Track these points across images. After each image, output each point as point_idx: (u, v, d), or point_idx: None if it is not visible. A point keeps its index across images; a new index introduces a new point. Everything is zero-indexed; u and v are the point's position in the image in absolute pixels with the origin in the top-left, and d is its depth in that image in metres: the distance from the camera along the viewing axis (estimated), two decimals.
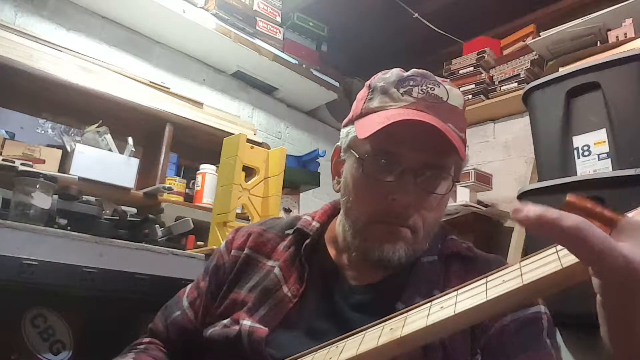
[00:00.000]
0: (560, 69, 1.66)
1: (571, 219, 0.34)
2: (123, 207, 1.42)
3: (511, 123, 2.33)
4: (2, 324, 1.07)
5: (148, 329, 0.89)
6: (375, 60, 2.01)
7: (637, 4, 1.79)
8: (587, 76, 1.51)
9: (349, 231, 0.73)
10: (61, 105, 1.70)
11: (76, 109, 1.72)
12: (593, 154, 1.46)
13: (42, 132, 1.77)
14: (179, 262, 1.26)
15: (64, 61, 1.66)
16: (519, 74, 2.19)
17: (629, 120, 1.40)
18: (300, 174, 2.16)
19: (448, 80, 0.75)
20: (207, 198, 1.81)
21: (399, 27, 2.46)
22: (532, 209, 0.35)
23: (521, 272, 0.42)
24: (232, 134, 1.70)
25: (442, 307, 0.44)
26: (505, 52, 2.39)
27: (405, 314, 0.48)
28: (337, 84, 2.54)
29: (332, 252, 0.79)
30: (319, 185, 2.21)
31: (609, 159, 1.43)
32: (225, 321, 0.74)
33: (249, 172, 1.52)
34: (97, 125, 1.64)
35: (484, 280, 0.44)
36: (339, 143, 0.80)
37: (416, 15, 2.34)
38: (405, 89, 0.70)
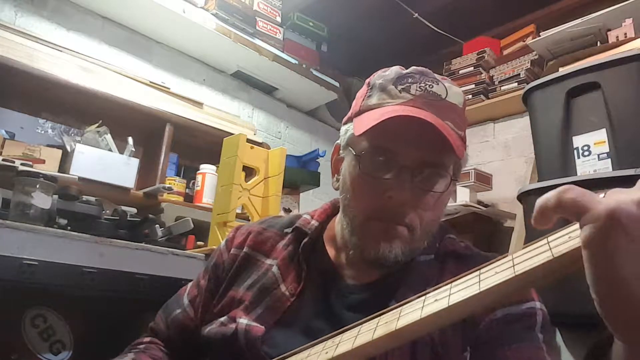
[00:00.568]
0: (560, 69, 1.66)
1: (561, 191, 0.38)
2: (123, 207, 1.41)
3: (511, 123, 2.33)
4: (2, 324, 1.07)
5: (149, 327, 0.89)
6: (375, 60, 2.00)
7: (637, 4, 1.79)
8: (587, 76, 1.51)
9: (347, 228, 0.73)
10: (61, 105, 1.70)
11: (76, 109, 1.72)
12: (593, 154, 1.46)
13: (42, 132, 1.77)
14: (179, 262, 1.26)
15: (64, 61, 1.66)
16: (519, 74, 2.19)
17: (629, 120, 1.40)
18: (300, 174, 2.16)
19: (449, 78, 0.75)
20: (207, 198, 1.81)
21: (399, 27, 2.46)
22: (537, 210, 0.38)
23: (513, 263, 0.42)
24: (232, 134, 1.70)
25: (435, 300, 0.44)
26: (505, 52, 2.39)
27: (399, 308, 0.48)
28: (337, 84, 2.54)
29: (330, 251, 0.79)
30: (319, 185, 2.21)
31: (609, 159, 1.43)
32: (222, 319, 0.74)
33: (249, 172, 1.52)
34: (97, 125, 1.64)
35: (477, 273, 0.45)
36: (338, 141, 0.80)
37: (416, 15, 2.34)
38: (403, 86, 0.70)
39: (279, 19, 2.34)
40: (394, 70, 0.73)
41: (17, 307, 1.10)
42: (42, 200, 1.14)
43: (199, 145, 1.97)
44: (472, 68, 2.35)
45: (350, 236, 0.72)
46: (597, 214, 0.35)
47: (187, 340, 0.83)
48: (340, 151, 0.78)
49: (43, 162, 1.49)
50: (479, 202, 2.09)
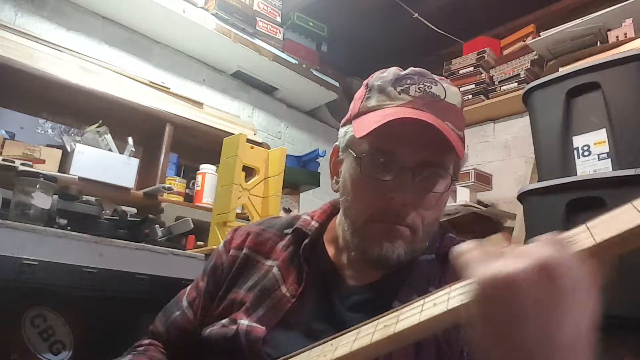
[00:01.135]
0: (560, 69, 1.66)
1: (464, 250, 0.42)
2: (123, 207, 1.42)
3: (511, 123, 2.33)
4: (2, 324, 1.07)
5: (149, 330, 0.89)
6: (375, 60, 2.00)
7: (637, 4, 1.79)
8: (587, 76, 1.50)
9: (348, 230, 0.73)
10: (61, 105, 1.70)
11: (76, 109, 1.72)
12: (593, 154, 1.46)
13: (42, 132, 1.77)
14: (179, 262, 1.26)
15: (64, 61, 1.66)
16: (519, 74, 2.19)
17: (629, 120, 1.40)
18: (300, 174, 2.16)
19: (446, 79, 0.75)
20: (207, 198, 1.81)
21: (399, 27, 2.46)
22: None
23: None
24: (232, 134, 1.70)
25: (434, 304, 0.44)
26: (505, 52, 2.39)
27: (398, 311, 0.48)
28: (337, 84, 2.55)
29: (331, 251, 0.79)
30: (319, 185, 2.21)
31: (609, 159, 1.43)
32: (223, 321, 0.73)
33: (249, 172, 1.52)
34: (97, 125, 1.64)
35: None
36: (337, 143, 0.80)
37: (416, 15, 2.34)
38: (402, 88, 0.70)
39: (279, 19, 2.34)
40: (392, 71, 0.73)
41: (17, 307, 1.10)
42: (42, 200, 1.14)
43: (199, 145, 1.97)
44: (472, 68, 2.35)
45: (351, 238, 0.72)
46: (476, 282, 0.39)
47: (187, 343, 0.82)
48: (340, 153, 0.78)
49: (43, 162, 1.49)
50: (479, 202, 2.09)
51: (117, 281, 1.14)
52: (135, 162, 1.61)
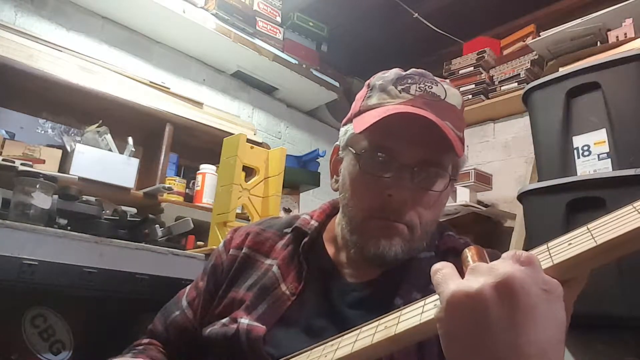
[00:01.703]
0: (560, 69, 1.66)
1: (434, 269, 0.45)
2: (123, 207, 1.42)
3: (511, 123, 2.33)
4: (2, 324, 1.07)
5: (147, 330, 0.89)
6: (375, 60, 2.00)
7: (637, 4, 1.79)
8: (587, 76, 1.50)
9: (347, 228, 0.73)
10: (61, 105, 1.70)
11: (76, 109, 1.73)
12: (593, 154, 1.46)
13: (42, 132, 1.77)
14: (179, 262, 1.26)
15: (64, 61, 1.66)
16: (519, 74, 2.19)
17: (629, 120, 1.40)
18: (300, 174, 2.16)
19: (447, 80, 0.76)
20: (207, 198, 1.81)
21: (399, 27, 2.46)
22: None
23: None
24: (232, 134, 1.70)
25: (435, 305, 0.44)
26: (505, 52, 2.39)
27: (399, 312, 0.48)
28: (337, 84, 2.54)
29: (330, 250, 0.79)
30: (319, 185, 2.21)
31: (609, 159, 1.43)
32: (223, 320, 0.73)
33: (249, 172, 1.52)
34: (97, 125, 1.64)
35: None
36: (337, 142, 0.80)
37: (416, 15, 2.34)
38: (403, 87, 0.71)
39: (279, 19, 2.34)
40: (394, 71, 0.74)
41: (17, 307, 1.10)
42: (42, 200, 1.14)
43: (199, 145, 1.97)
44: (472, 68, 2.35)
45: (350, 235, 0.72)
46: (440, 299, 0.42)
47: (186, 342, 0.83)
48: (340, 152, 0.79)
49: (43, 162, 1.49)
50: (479, 202, 2.09)
51: (117, 281, 1.14)
52: (135, 162, 1.61)
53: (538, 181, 1.59)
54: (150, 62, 2.10)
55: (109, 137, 1.62)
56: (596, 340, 1.60)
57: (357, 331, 0.51)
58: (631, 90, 1.42)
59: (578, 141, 1.51)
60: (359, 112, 0.74)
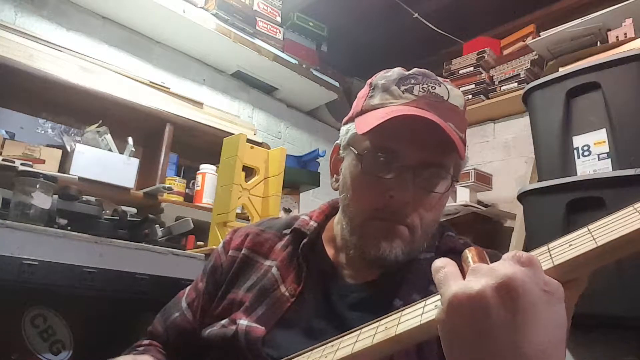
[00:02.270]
0: (560, 69, 1.66)
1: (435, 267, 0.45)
2: (123, 207, 1.42)
3: (511, 123, 2.33)
4: (2, 324, 1.07)
5: (147, 331, 0.88)
6: (375, 60, 2.00)
7: (637, 4, 1.79)
8: (587, 76, 1.50)
9: (347, 228, 0.73)
10: (61, 105, 1.70)
11: (76, 109, 1.73)
12: (593, 154, 1.46)
13: (42, 132, 1.76)
14: (179, 262, 1.26)
15: (64, 61, 1.66)
16: (519, 74, 2.19)
17: (629, 120, 1.40)
18: (300, 174, 2.16)
19: (449, 80, 0.75)
20: (207, 198, 1.81)
21: (399, 27, 2.46)
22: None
23: None
24: (232, 134, 1.70)
25: (435, 306, 0.44)
26: (505, 52, 2.39)
27: (399, 313, 0.48)
28: (337, 84, 2.54)
29: (330, 251, 0.79)
30: (319, 185, 2.21)
31: (609, 159, 1.43)
32: (223, 321, 0.73)
33: (249, 172, 1.52)
34: (97, 125, 1.64)
35: None
36: (338, 141, 0.80)
37: (416, 15, 2.34)
38: (406, 87, 0.70)
39: (279, 19, 2.34)
40: (396, 71, 0.73)
41: (17, 307, 1.10)
42: (42, 200, 1.14)
43: (199, 145, 1.97)
44: (472, 68, 2.35)
45: (350, 236, 0.72)
46: (442, 299, 0.41)
47: (186, 343, 0.82)
48: (340, 151, 0.78)
49: (43, 162, 1.49)
50: (479, 202, 2.09)
51: (117, 281, 1.14)
52: (135, 162, 1.61)
53: (538, 181, 1.59)
54: (150, 62, 2.10)
55: (109, 137, 1.62)
56: (596, 340, 1.60)
57: (358, 332, 0.51)
58: (631, 90, 1.42)
59: (578, 141, 1.51)
60: (362, 112, 0.74)
